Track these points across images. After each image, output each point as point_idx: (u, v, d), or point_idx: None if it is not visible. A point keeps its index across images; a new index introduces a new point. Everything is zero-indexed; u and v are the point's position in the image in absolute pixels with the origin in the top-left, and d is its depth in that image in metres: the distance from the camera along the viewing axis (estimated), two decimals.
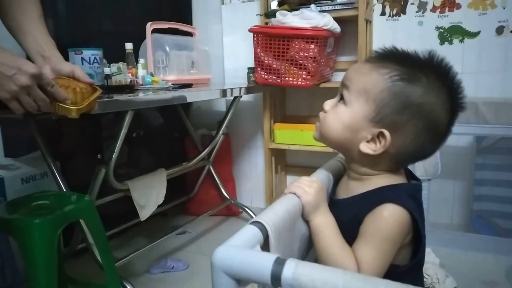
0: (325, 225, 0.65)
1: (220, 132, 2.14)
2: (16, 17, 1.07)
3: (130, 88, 1.58)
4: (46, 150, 1.49)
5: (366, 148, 0.68)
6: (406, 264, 0.68)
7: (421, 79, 0.66)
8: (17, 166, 1.72)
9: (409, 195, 0.67)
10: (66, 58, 1.61)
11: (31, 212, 1.15)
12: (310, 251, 0.66)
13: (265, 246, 0.48)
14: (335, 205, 0.72)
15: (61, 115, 1.00)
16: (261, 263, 0.40)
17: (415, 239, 0.68)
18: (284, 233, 0.52)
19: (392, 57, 0.70)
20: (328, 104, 0.72)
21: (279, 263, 0.40)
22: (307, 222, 0.65)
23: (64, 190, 1.48)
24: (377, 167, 0.71)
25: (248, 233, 0.46)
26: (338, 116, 0.69)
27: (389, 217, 0.63)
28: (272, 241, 0.48)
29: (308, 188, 0.64)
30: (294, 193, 0.64)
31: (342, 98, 0.70)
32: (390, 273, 0.64)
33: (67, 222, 1.19)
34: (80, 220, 1.41)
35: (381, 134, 0.67)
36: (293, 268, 0.38)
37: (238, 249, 0.42)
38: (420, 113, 0.65)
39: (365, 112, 0.67)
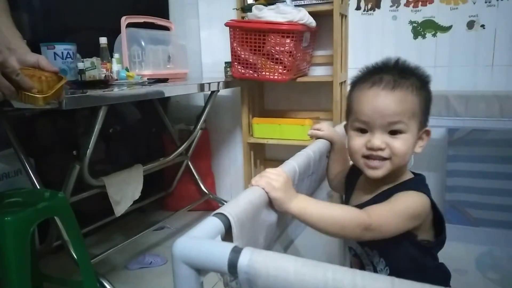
0: (306, 203, 0.68)
1: (198, 126, 2.14)
2: None
3: (104, 83, 1.57)
4: (19, 146, 1.46)
5: (419, 149, 0.81)
6: (433, 241, 0.82)
7: (412, 77, 0.80)
8: None
9: (425, 185, 0.82)
10: (39, 53, 1.59)
11: (3, 210, 1.14)
12: (278, 239, 0.67)
13: (229, 237, 0.49)
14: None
15: (29, 106, 0.99)
16: (219, 253, 0.41)
17: (435, 221, 0.82)
18: (248, 224, 0.53)
19: (388, 71, 0.80)
20: (379, 141, 0.77)
21: (236, 251, 0.41)
22: (275, 211, 0.66)
23: (38, 187, 1.46)
24: (404, 166, 0.82)
25: (210, 224, 0.47)
26: (408, 145, 0.77)
27: (409, 195, 0.75)
28: (234, 232, 0.49)
29: (276, 182, 0.65)
30: (263, 188, 0.64)
31: (396, 131, 0.76)
32: (422, 247, 0.79)
33: (40, 219, 1.18)
34: (55, 217, 1.40)
35: (425, 132, 0.82)
36: (248, 256, 0.40)
37: (197, 239, 0.43)
38: (430, 103, 0.83)
39: (417, 127, 0.79)
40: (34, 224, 1.15)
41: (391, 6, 2.08)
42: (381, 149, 0.77)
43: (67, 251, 1.46)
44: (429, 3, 2.01)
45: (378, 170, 0.78)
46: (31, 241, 1.18)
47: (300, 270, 0.37)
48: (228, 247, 0.42)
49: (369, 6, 2.13)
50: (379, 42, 2.11)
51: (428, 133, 0.83)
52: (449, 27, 1.99)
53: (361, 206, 0.76)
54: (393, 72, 0.79)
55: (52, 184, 1.51)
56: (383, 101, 0.76)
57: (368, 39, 2.13)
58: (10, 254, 1.07)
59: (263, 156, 2.47)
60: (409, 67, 0.82)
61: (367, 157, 0.79)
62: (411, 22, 2.05)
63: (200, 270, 0.43)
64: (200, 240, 0.43)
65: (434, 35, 2.02)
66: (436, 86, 2.05)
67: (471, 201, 1.92)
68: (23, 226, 1.10)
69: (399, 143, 0.76)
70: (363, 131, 0.80)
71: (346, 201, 0.92)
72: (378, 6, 2.11)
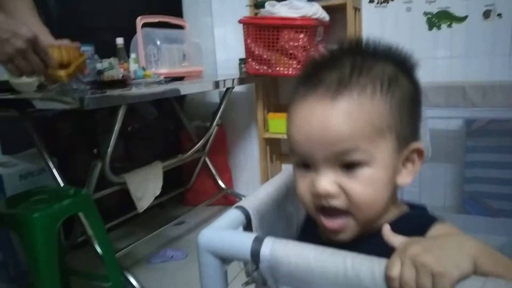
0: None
1: (214, 123, 2.17)
2: (11, 11, 1.10)
3: (123, 83, 1.61)
4: (43, 146, 1.52)
5: (408, 178, 0.53)
6: None
7: (378, 66, 0.51)
8: (15, 163, 1.74)
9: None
10: None
11: (30, 207, 1.19)
12: (297, 230, 0.69)
13: (249, 229, 0.51)
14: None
15: (54, 83, 1.03)
16: (242, 242, 0.44)
17: None
18: (267, 216, 0.55)
19: (338, 64, 0.51)
20: (326, 183, 0.49)
21: (258, 241, 0.43)
22: (293, 203, 0.65)
23: (62, 185, 1.51)
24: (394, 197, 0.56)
25: (231, 216, 0.49)
26: (375, 183, 0.49)
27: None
28: (254, 223, 0.51)
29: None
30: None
31: (352, 165, 0.49)
32: None
33: (66, 215, 1.23)
34: (79, 213, 1.45)
35: (415, 151, 0.53)
36: (270, 245, 0.42)
37: (221, 230, 0.46)
38: (419, 99, 0.55)
39: (392, 150, 0.50)
40: (61, 220, 1.19)
41: None
42: (331, 196, 0.49)
43: (92, 246, 1.51)
44: None
45: (341, 234, 0.51)
46: (57, 236, 1.23)
47: (320, 257, 0.39)
48: (250, 236, 0.44)
49: None
50: (393, 35, 2.10)
51: (420, 152, 0.53)
52: (465, 18, 1.97)
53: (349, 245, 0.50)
54: (343, 65, 0.50)
55: (74, 182, 1.56)
56: (320, 120, 0.48)
57: (382, 32, 2.12)
58: (39, 249, 1.11)
59: (279, 151, 2.49)
60: (375, 49, 0.53)
61: (322, 209, 0.51)
62: (425, 14, 2.04)
63: (224, 259, 0.46)
64: (224, 231, 0.46)
65: (449, 26, 2.00)
66: (452, 77, 2.05)
67: (490, 192, 1.90)
68: (50, 222, 1.15)
69: (358, 186, 0.48)
70: (306, 165, 0.52)
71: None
72: None
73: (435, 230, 0.49)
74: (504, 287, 0.33)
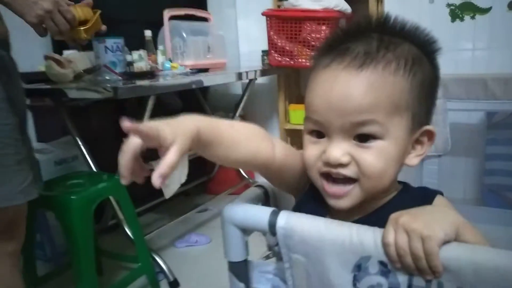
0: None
1: (237, 114, 2.24)
2: None
3: (151, 74, 1.68)
4: (77, 133, 1.61)
5: (415, 160, 0.55)
6: None
7: (404, 45, 0.52)
8: (50, 150, 1.85)
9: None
10: (90, 48, 1.73)
11: (68, 190, 1.28)
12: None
13: (267, 204, 0.57)
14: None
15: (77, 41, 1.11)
16: (260, 215, 0.50)
17: None
18: (283, 193, 0.61)
19: (363, 38, 0.53)
20: (338, 152, 0.50)
21: (274, 214, 0.49)
22: None
23: (94, 170, 1.61)
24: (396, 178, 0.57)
25: (252, 193, 0.56)
26: (386, 157, 0.50)
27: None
28: (271, 199, 0.57)
29: None
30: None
31: (366, 136, 0.50)
32: None
33: (100, 198, 1.32)
34: (111, 197, 1.55)
35: (426, 134, 0.54)
36: (285, 217, 0.48)
37: (243, 205, 0.52)
38: (437, 85, 0.56)
39: (406, 128, 0.51)
40: (96, 202, 1.29)
41: None
42: (341, 165, 0.50)
43: (122, 229, 1.60)
44: None
45: (342, 200, 0.52)
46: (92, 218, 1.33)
47: (329, 226, 0.45)
48: (268, 210, 0.50)
49: None
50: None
51: (430, 135, 0.54)
52: (489, 9, 1.96)
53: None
54: (370, 39, 0.51)
55: (103, 168, 1.65)
56: (343, 88, 0.49)
57: None
58: (77, 229, 1.21)
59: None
60: (402, 28, 0.54)
61: (326, 176, 0.53)
62: (448, 5, 2.03)
63: (245, 230, 0.52)
64: (245, 205, 0.52)
65: (472, 17, 2.00)
66: (475, 69, 2.04)
67: (510, 185, 1.90)
68: (87, 203, 1.24)
69: (370, 157, 0.50)
70: (319, 134, 0.53)
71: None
72: None
73: (438, 201, 0.53)
74: (492, 254, 0.39)
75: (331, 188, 0.52)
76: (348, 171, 0.50)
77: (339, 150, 0.50)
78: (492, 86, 1.74)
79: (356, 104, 0.49)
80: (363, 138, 0.50)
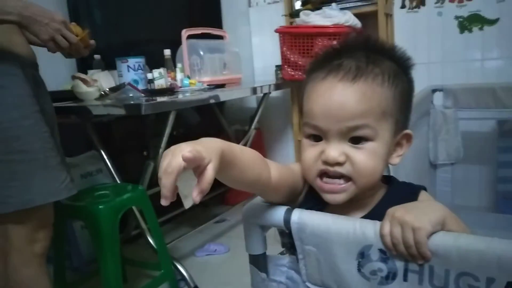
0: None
1: (252, 127, 2.32)
2: None
3: (171, 90, 1.78)
4: (103, 147, 1.71)
5: (397, 159, 0.64)
6: None
7: (386, 61, 0.61)
8: (76, 164, 1.95)
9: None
10: (114, 67, 1.84)
11: (96, 200, 1.37)
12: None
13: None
14: None
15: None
16: (277, 213, 0.57)
17: None
18: None
19: (353, 55, 0.61)
20: (336, 152, 0.58)
21: (289, 211, 0.56)
22: None
23: (119, 182, 1.70)
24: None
25: None
26: (377, 157, 0.59)
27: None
28: None
29: None
30: None
31: (359, 139, 0.58)
32: None
33: (126, 207, 1.41)
34: (134, 207, 1.63)
35: (405, 137, 0.63)
36: (298, 214, 0.55)
37: (261, 204, 0.60)
38: (412, 96, 0.65)
39: (391, 131, 0.60)
40: (122, 212, 1.37)
41: (436, 3, 2.14)
42: (338, 164, 0.58)
43: (145, 238, 1.68)
44: None
45: (339, 195, 0.59)
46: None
47: (336, 221, 0.52)
48: (283, 208, 0.57)
49: (414, 4, 2.19)
50: (425, 39, 2.17)
51: (409, 137, 0.63)
52: (496, 20, 2.01)
53: None
54: (358, 56, 0.60)
55: (125, 180, 1.73)
56: (340, 97, 0.57)
57: (414, 37, 2.19)
58: (104, 237, 1.29)
59: None
60: (382, 47, 0.63)
61: (322, 175, 0.60)
62: (456, 17, 2.09)
63: (264, 227, 0.59)
64: (263, 205, 0.59)
65: (480, 28, 2.05)
66: (484, 79, 2.08)
67: None
68: (114, 213, 1.33)
69: (363, 156, 0.57)
70: (317, 138, 0.61)
71: None
72: (423, 4, 2.17)
73: (422, 196, 0.63)
74: (472, 240, 0.45)
75: (327, 185, 0.60)
76: (343, 169, 0.58)
77: (336, 151, 0.57)
78: (502, 95, 1.77)
79: (352, 111, 0.57)
80: (357, 140, 0.58)
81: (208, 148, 0.48)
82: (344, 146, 0.58)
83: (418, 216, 0.48)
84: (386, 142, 0.59)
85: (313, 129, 0.60)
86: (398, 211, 0.49)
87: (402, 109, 0.61)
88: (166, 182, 0.45)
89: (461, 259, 0.45)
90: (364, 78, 0.58)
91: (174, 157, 0.45)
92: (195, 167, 0.46)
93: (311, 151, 0.61)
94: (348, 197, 0.60)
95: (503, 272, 0.43)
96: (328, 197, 0.60)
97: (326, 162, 0.58)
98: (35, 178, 1.05)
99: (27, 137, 1.04)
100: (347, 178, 0.59)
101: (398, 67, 0.62)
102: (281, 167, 0.63)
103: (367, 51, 0.61)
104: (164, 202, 0.46)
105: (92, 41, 1.21)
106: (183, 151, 0.45)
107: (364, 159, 0.58)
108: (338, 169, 0.58)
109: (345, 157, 0.58)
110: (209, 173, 0.47)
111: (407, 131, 0.63)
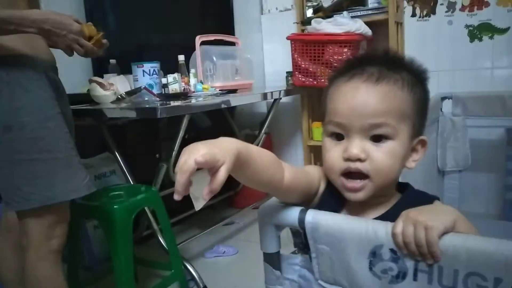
0: None
1: (262, 131, 2.35)
2: None
3: (185, 95, 1.82)
4: (117, 149, 1.75)
5: (413, 164, 0.67)
6: None
7: (404, 71, 0.65)
8: (90, 165, 2.00)
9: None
10: (129, 71, 1.89)
11: (111, 200, 1.41)
12: None
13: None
14: None
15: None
16: (291, 213, 0.60)
17: None
18: None
19: (374, 63, 0.65)
20: (358, 149, 0.61)
21: (303, 212, 0.59)
22: None
23: (132, 183, 1.74)
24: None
25: None
26: (395, 157, 0.62)
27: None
28: None
29: None
30: None
31: (379, 137, 0.61)
32: None
33: (139, 208, 1.45)
34: (147, 208, 1.67)
35: (420, 142, 0.67)
36: (312, 214, 0.58)
37: (276, 205, 0.63)
38: (428, 105, 0.69)
39: (408, 134, 0.63)
40: (135, 212, 1.41)
41: (446, 12, 2.16)
42: (360, 160, 0.61)
43: (157, 239, 1.72)
44: (485, 7, 2.06)
45: (359, 193, 0.62)
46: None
47: (349, 221, 0.55)
48: (297, 209, 0.60)
49: (425, 12, 2.22)
50: (435, 47, 2.19)
51: (424, 143, 0.67)
52: (507, 29, 2.03)
53: None
54: (379, 64, 0.64)
55: (139, 182, 1.77)
56: (363, 96, 0.61)
57: (424, 45, 2.21)
58: (118, 236, 1.33)
59: None
60: (401, 59, 0.67)
61: (345, 174, 0.63)
62: (467, 26, 2.11)
63: (278, 226, 0.62)
64: (278, 205, 0.62)
65: (491, 37, 2.07)
66: (494, 87, 2.10)
67: None
68: (128, 212, 1.36)
69: (382, 154, 0.61)
70: (339, 137, 0.64)
71: None
72: (434, 12, 2.19)
73: (436, 204, 0.64)
74: (481, 241, 0.47)
75: (350, 183, 0.63)
76: (363, 166, 0.61)
77: (358, 147, 0.61)
78: (511, 103, 1.78)
79: (374, 108, 0.61)
80: (377, 139, 0.61)
81: (224, 149, 0.51)
82: (366, 143, 0.61)
83: (431, 217, 0.51)
84: (404, 144, 0.63)
85: (337, 127, 0.63)
86: (412, 212, 0.52)
87: (419, 114, 0.65)
88: (180, 179, 0.48)
89: (470, 260, 0.47)
90: (386, 80, 0.62)
91: (190, 157, 0.48)
92: (211, 168, 0.49)
93: (334, 150, 0.64)
94: (368, 194, 0.63)
95: (511, 273, 0.45)
96: (350, 195, 0.64)
97: (348, 159, 0.61)
98: (57, 176, 1.10)
99: (51, 137, 1.09)
100: (365, 176, 0.62)
101: (415, 78, 0.66)
102: (296, 170, 0.65)
103: (386, 61, 0.65)
104: (176, 197, 0.49)
105: (105, 40, 1.25)
106: (198, 152, 0.48)
107: (383, 157, 0.61)
108: (359, 165, 0.61)
109: (366, 155, 0.61)
110: (221, 175, 0.49)
111: (423, 137, 0.67)
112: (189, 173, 0.48)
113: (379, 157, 0.61)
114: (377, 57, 0.66)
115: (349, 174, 0.63)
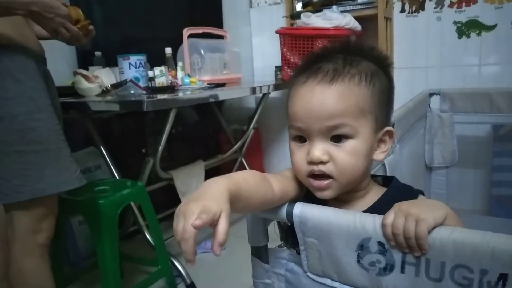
0: None
1: (251, 127, 2.34)
2: None
3: (171, 88, 1.79)
4: (102, 143, 1.72)
5: (381, 156, 0.66)
6: None
7: (364, 62, 0.64)
8: (75, 159, 1.96)
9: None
10: (114, 64, 1.86)
11: (96, 195, 1.38)
12: None
13: None
14: None
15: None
16: (280, 207, 0.60)
17: None
18: None
19: (331, 58, 0.64)
20: (319, 151, 0.61)
21: (291, 205, 0.59)
22: None
23: (117, 178, 1.71)
24: (369, 172, 0.68)
25: None
26: (357, 153, 0.61)
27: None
28: None
29: None
30: None
31: (340, 137, 0.61)
32: None
33: (125, 203, 1.42)
34: (132, 203, 1.64)
35: (387, 133, 0.66)
36: (300, 207, 0.57)
37: None
38: (393, 93, 0.68)
39: (371, 128, 0.62)
40: (121, 207, 1.39)
41: (435, 8, 2.16)
42: (322, 162, 0.61)
43: (143, 234, 1.70)
44: (473, 3, 2.07)
45: (326, 191, 0.62)
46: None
47: (337, 213, 0.54)
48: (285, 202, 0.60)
49: (414, 8, 2.22)
50: (424, 43, 2.20)
51: (390, 134, 0.66)
52: (494, 26, 2.04)
53: None
54: (336, 59, 0.63)
55: (124, 177, 1.74)
56: (319, 98, 0.60)
57: (413, 41, 2.22)
58: (104, 231, 1.31)
59: None
60: (360, 49, 0.66)
61: (311, 175, 0.63)
62: (455, 23, 2.12)
63: (266, 220, 0.61)
64: None
65: (478, 34, 2.08)
66: (481, 84, 2.11)
67: None
68: (113, 207, 1.34)
69: (344, 154, 0.60)
70: (302, 139, 0.64)
71: None
72: (423, 8, 2.20)
73: (420, 198, 0.65)
74: (468, 234, 0.47)
75: (315, 183, 0.63)
76: (326, 168, 0.61)
77: (320, 150, 0.61)
78: (497, 100, 1.80)
79: (330, 110, 0.60)
80: (338, 139, 0.61)
81: (215, 197, 0.49)
82: (327, 145, 0.61)
83: (423, 210, 0.50)
84: (367, 139, 0.62)
85: (297, 131, 0.63)
86: (404, 205, 0.52)
87: (382, 106, 0.64)
88: (186, 248, 0.46)
89: (457, 252, 0.47)
90: (341, 79, 0.61)
91: (187, 222, 0.46)
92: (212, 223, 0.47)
93: (299, 153, 0.64)
94: (335, 192, 0.63)
95: (496, 264, 0.45)
96: (318, 194, 0.63)
97: (311, 162, 0.61)
98: (48, 168, 1.07)
99: (42, 128, 1.06)
100: (328, 176, 0.61)
101: (377, 66, 0.65)
102: (279, 178, 0.65)
103: (345, 54, 0.64)
104: (190, 265, 0.47)
105: (91, 27, 1.22)
106: (193, 213, 0.46)
107: (345, 157, 0.61)
108: (322, 167, 0.61)
109: (328, 156, 0.61)
110: (223, 225, 0.47)
111: (389, 128, 0.66)
112: (192, 239, 0.46)
113: (341, 157, 0.61)
114: (335, 51, 0.65)
115: (313, 174, 0.63)
